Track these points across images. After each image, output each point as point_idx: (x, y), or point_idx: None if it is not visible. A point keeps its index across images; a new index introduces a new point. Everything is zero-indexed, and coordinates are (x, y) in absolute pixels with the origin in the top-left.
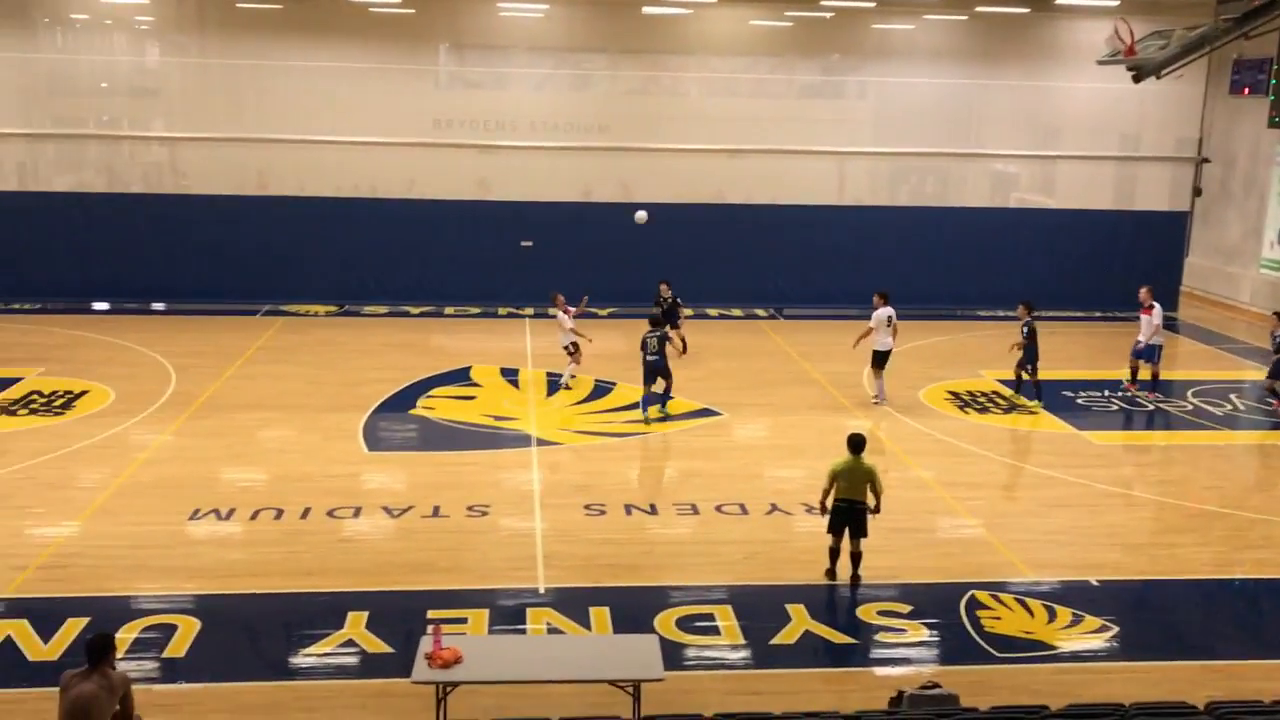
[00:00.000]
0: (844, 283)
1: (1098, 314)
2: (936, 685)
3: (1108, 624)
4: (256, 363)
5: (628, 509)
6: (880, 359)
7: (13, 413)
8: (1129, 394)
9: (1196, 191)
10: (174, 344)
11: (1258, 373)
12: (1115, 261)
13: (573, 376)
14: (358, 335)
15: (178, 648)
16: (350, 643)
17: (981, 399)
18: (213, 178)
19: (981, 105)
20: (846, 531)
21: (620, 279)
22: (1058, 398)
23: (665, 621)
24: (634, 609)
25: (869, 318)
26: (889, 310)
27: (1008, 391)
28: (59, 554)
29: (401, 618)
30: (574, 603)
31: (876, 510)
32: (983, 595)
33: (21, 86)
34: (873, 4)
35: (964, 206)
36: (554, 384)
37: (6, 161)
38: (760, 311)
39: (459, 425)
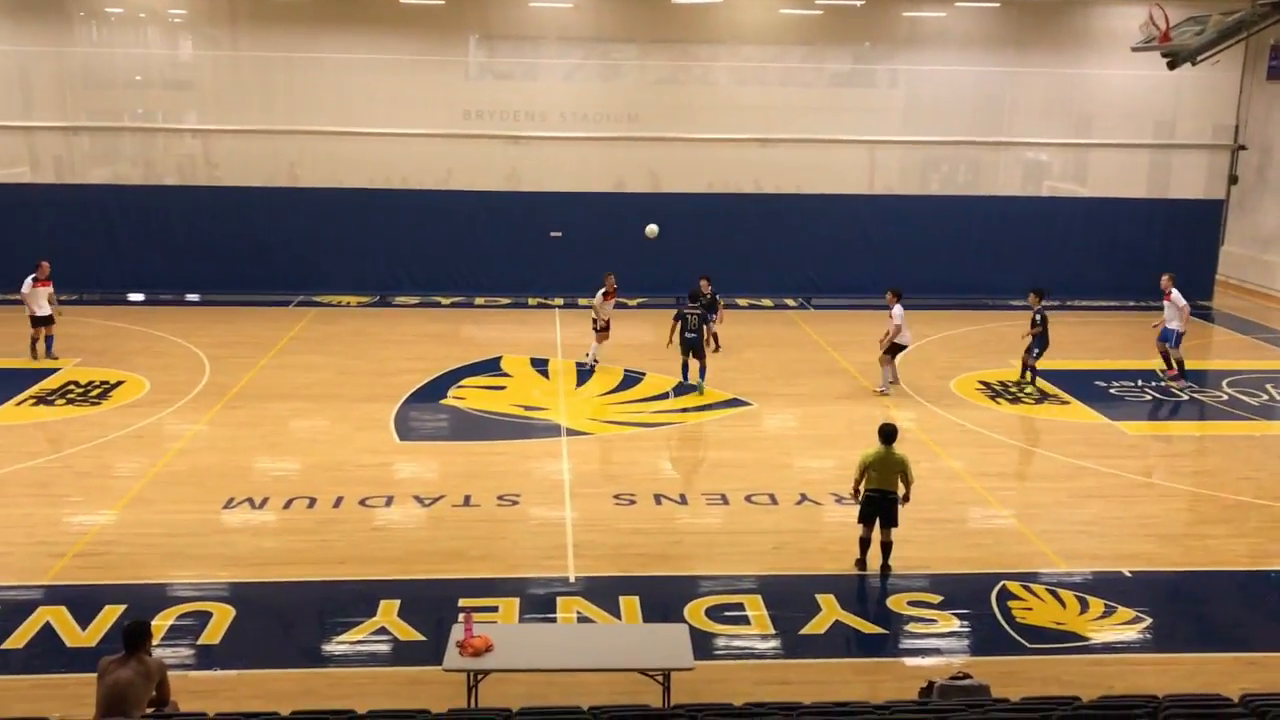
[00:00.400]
0: (874, 273)
1: (1131, 303)
2: (967, 676)
3: (1140, 615)
4: (289, 353)
5: (657, 499)
6: (898, 350)
7: (50, 403)
8: (1166, 384)
9: (1232, 179)
10: (208, 335)
11: None
12: (1149, 251)
13: (595, 360)
14: (389, 326)
15: (213, 635)
16: (382, 630)
17: (1013, 389)
18: (245, 170)
19: (1013, 93)
20: (877, 522)
21: (650, 270)
22: (1091, 388)
23: (695, 611)
24: (664, 598)
25: (914, 307)
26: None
27: (1028, 382)
28: (96, 542)
29: (433, 606)
30: (604, 592)
31: (907, 500)
32: (1014, 586)
33: (58, 80)
34: None
35: (996, 195)
36: (584, 374)
37: (43, 154)
38: (790, 301)
39: (489, 415)
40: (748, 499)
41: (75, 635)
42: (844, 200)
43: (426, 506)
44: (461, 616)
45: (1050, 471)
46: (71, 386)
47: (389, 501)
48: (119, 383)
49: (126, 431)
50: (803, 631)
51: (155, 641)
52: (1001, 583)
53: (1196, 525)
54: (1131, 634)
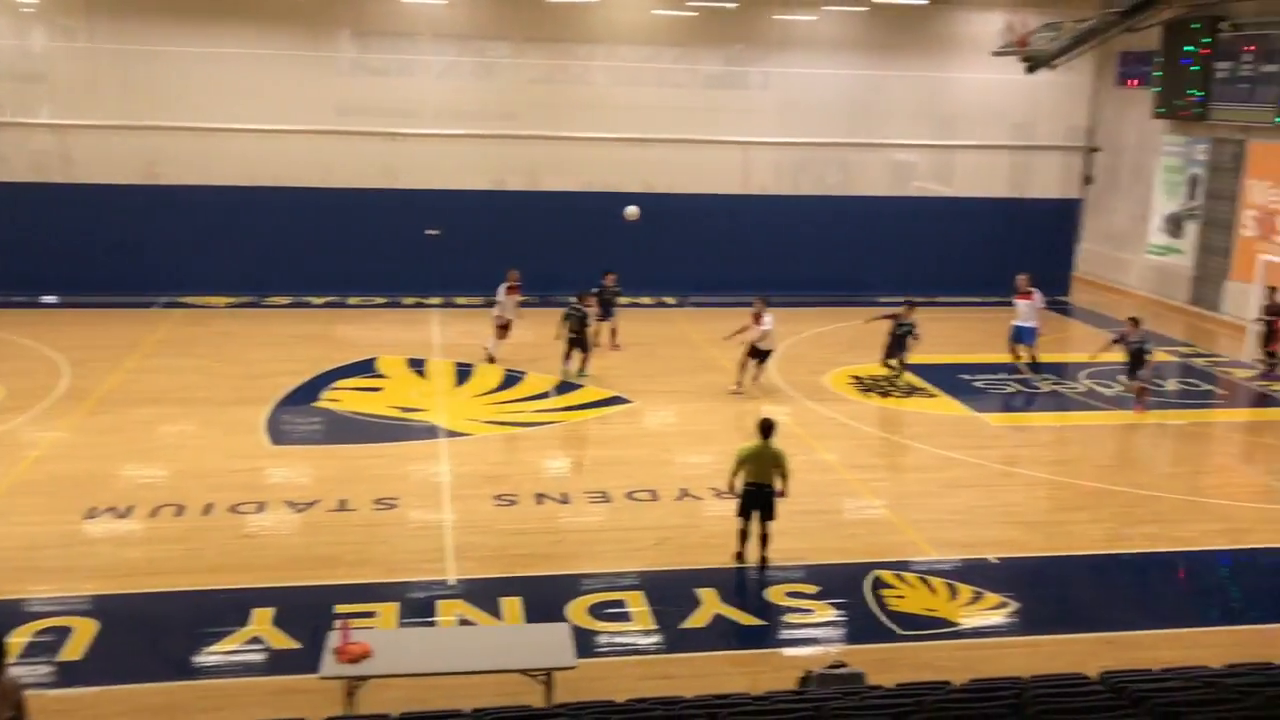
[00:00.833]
0: (750, 271)
1: (994, 299)
2: (843, 664)
3: (1007, 600)
4: (154, 356)
5: (539, 498)
6: (765, 355)
7: None
8: (1022, 375)
9: (1087, 179)
10: (67, 338)
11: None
12: (1011, 248)
13: (493, 356)
14: (259, 327)
15: (74, 650)
16: (256, 639)
17: (883, 383)
18: (105, 166)
19: (881, 96)
20: (755, 514)
21: (530, 268)
22: (957, 381)
23: (577, 609)
24: (546, 598)
25: (779, 306)
26: None
27: (897, 374)
28: None
29: (308, 613)
30: (485, 593)
31: (784, 493)
32: (887, 574)
33: None
34: None
35: (865, 195)
36: (463, 373)
37: None
38: (669, 299)
39: (365, 417)
40: (629, 496)
41: None
42: (719, 200)
43: (300, 512)
44: (338, 623)
45: (920, 462)
46: None
47: (261, 507)
48: None
49: None
50: (684, 626)
51: (11, 660)
52: (875, 572)
53: (1057, 512)
54: (998, 618)
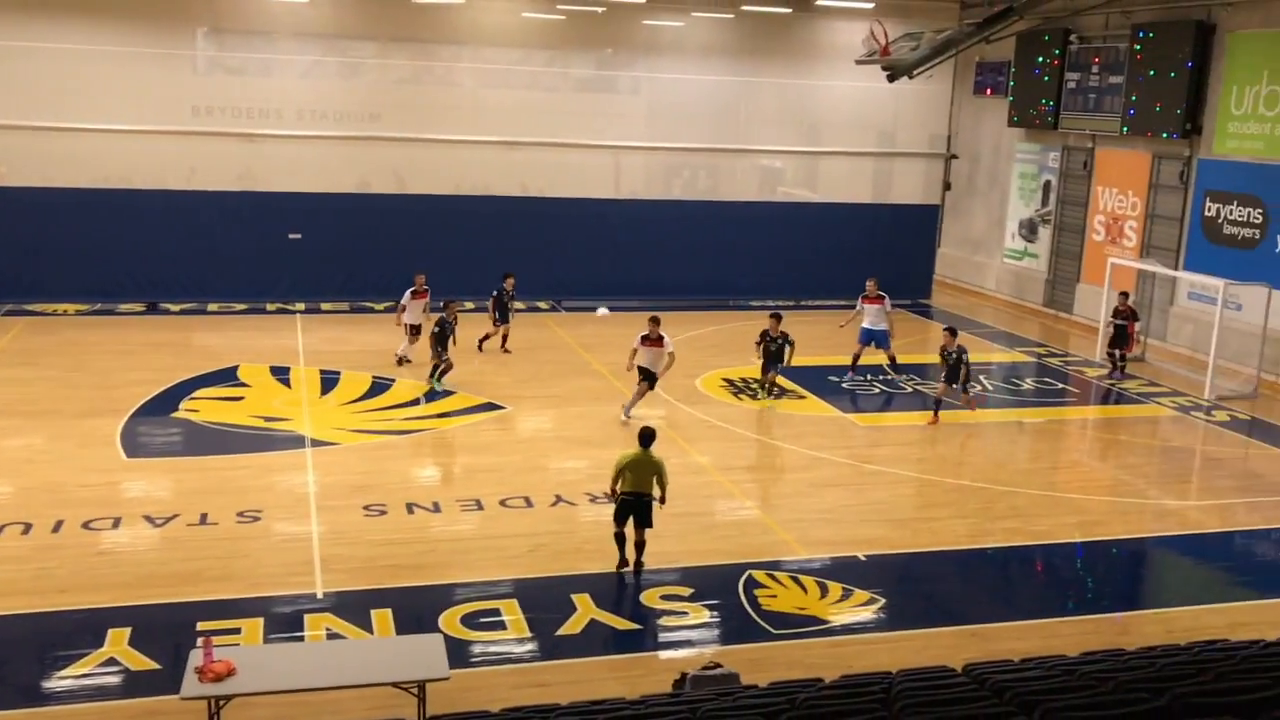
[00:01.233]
0: (623, 275)
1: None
2: (718, 665)
3: (875, 596)
4: None
5: (409, 508)
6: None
7: None
8: (852, 377)
9: (946, 186)
10: None
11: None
12: (875, 252)
13: (407, 357)
14: (112, 335)
15: None
16: (112, 661)
17: (754, 385)
18: None
19: (749, 102)
20: (631, 521)
21: (397, 272)
22: (824, 383)
23: (450, 619)
24: (418, 609)
25: (651, 310)
26: None
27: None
28: None
29: (168, 632)
30: (354, 606)
31: (663, 502)
32: (760, 574)
33: None
34: (643, 0)
35: (734, 200)
36: (328, 382)
37: None
38: (542, 304)
39: (227, 428)
40: (503, 503)
41: None
42: (591, 204)
43: (159, 526)
44: (200, 641)
45: (790, 463)
46: None
47: (117, 523)
48: None
49: None
50: (559, 633)
51: None
52: (748, 572)
53: (923, 509)
54: (867, 614)
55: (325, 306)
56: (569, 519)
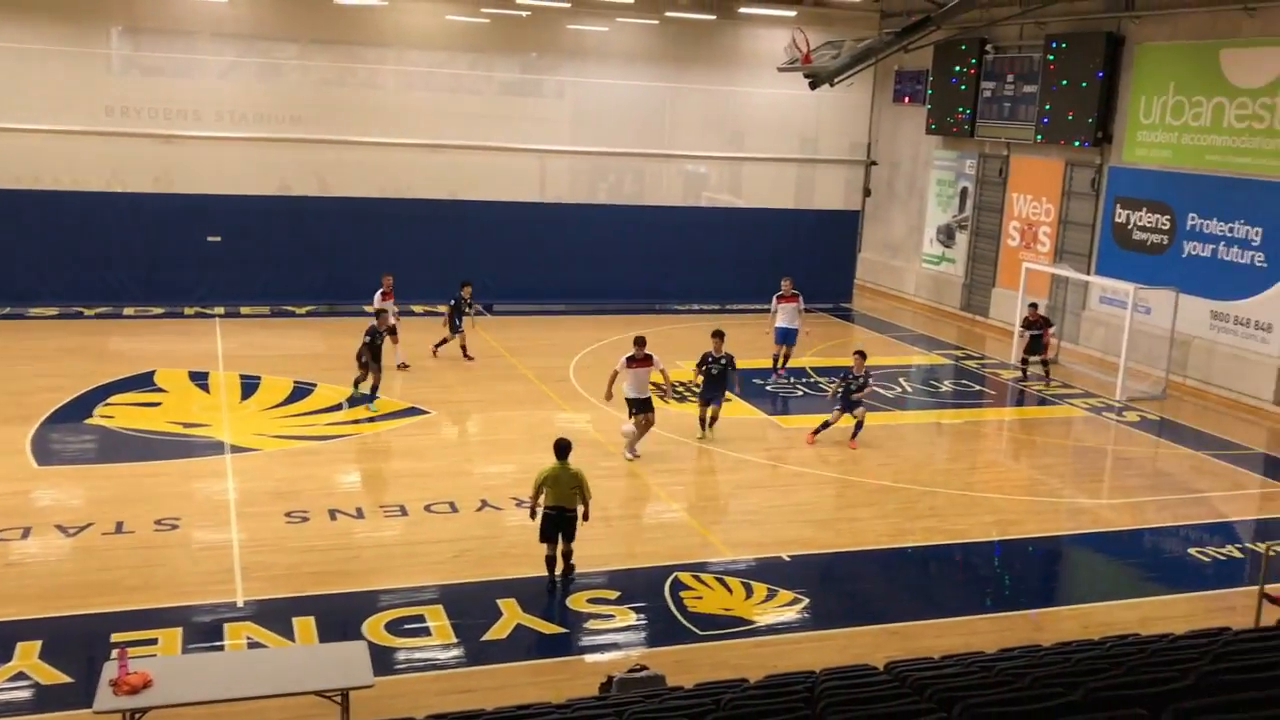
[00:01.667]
0: (549, 279)
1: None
2: (644, 668)
3: (799, 596)
4: None
5: (332, 514)
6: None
7: None
8: (777, 378)
9: (866, 192)
10: None
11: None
12: (798, 257)
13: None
14: (22, 340)
15: None
16: (21, 675)
17: (680, 388)
18: None
19: (674, 108)
20: (560, 537)
21: (320, 276)
22: (749, 385)
23: (374, 626)
24: (341, 616)
25: (578, 314)
26: None
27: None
28: None
29: (82, 644)
30: (276, 614)
31: (586, 517)
32: (686, 576)
33: None
34: (567, 4)
35: (660, 205)
36: (249, 386)
37: None
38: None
39: (143, 434)
40: (427, 509)
41: None
42: (516, 208)
43: (72, 536)
44: (115, 652)
45: (716, 465)
46: None
47: (26, 533)
48: None
49: None
50: (485, 638)
51: None
52: (674, 574)
53: (845, 509)
54: (792, 615)
55: (245, 310)
56: (494, 524)
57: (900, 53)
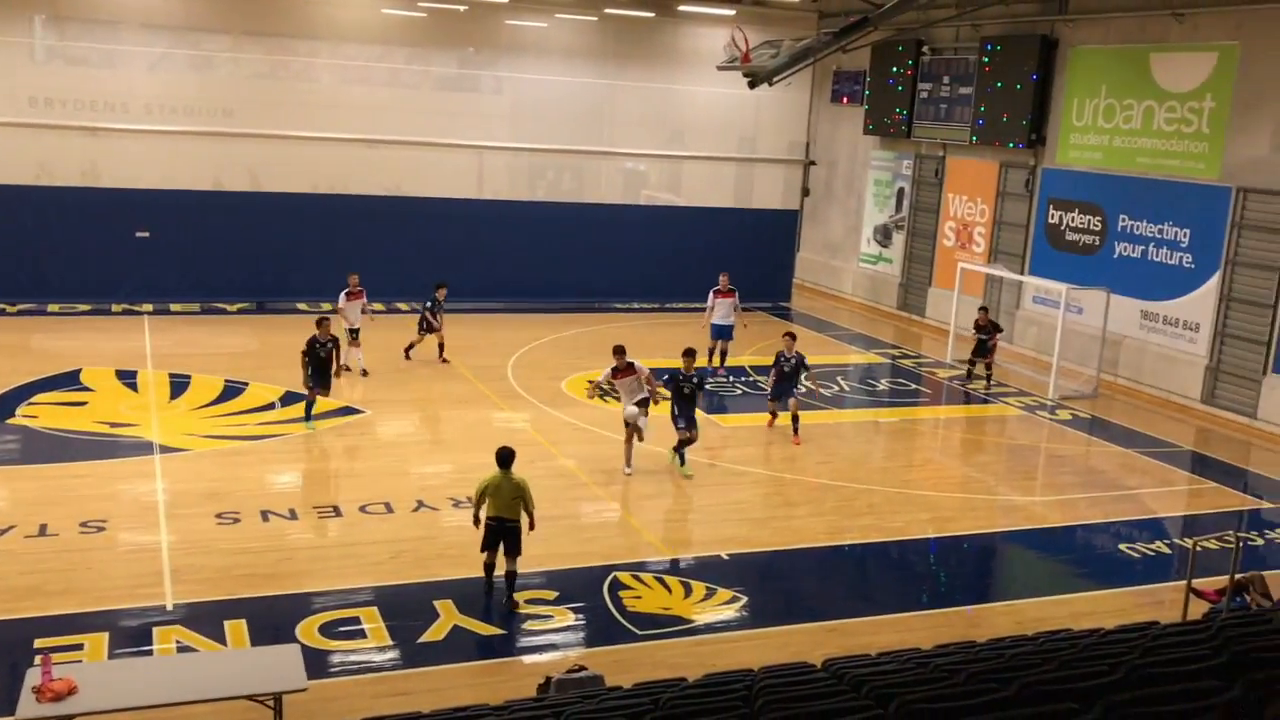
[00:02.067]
0: (487, 277)
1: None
2: (583, 668)
3: (738, 595)
4: None
5: (264, 515)
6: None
7: None
8: (721, 374)
9: (805, 191)
10: None
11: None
12: (737, 256)
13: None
14: None
15: None
16: None
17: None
18: None
19: (613, 105)
20: (501, 548)
21: (252, 273)
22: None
23: (308, 629)
24: (274, 619)
25: (516, 312)
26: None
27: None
28: None
29: (3, 650)
30: (207, 618)
31: (532, 528)
32: (625, 576)
33: None
34: (505, 0)
35: (599, 203)
36: (178, 385)
37: None
38: (402, 306)
39: (68, 434)
40: (362, 509)
41: None
42: (454, 204)
43: None
44: (38, 659)
45: (654, 465)
46: None
47: None
48: None
49: None
50: (421, 640)
51: None
52: (613, 574)
53: (783, 508)
54: (730, 613)
55: (175, 308)
56: (431, 524)
57: (838, 53)
